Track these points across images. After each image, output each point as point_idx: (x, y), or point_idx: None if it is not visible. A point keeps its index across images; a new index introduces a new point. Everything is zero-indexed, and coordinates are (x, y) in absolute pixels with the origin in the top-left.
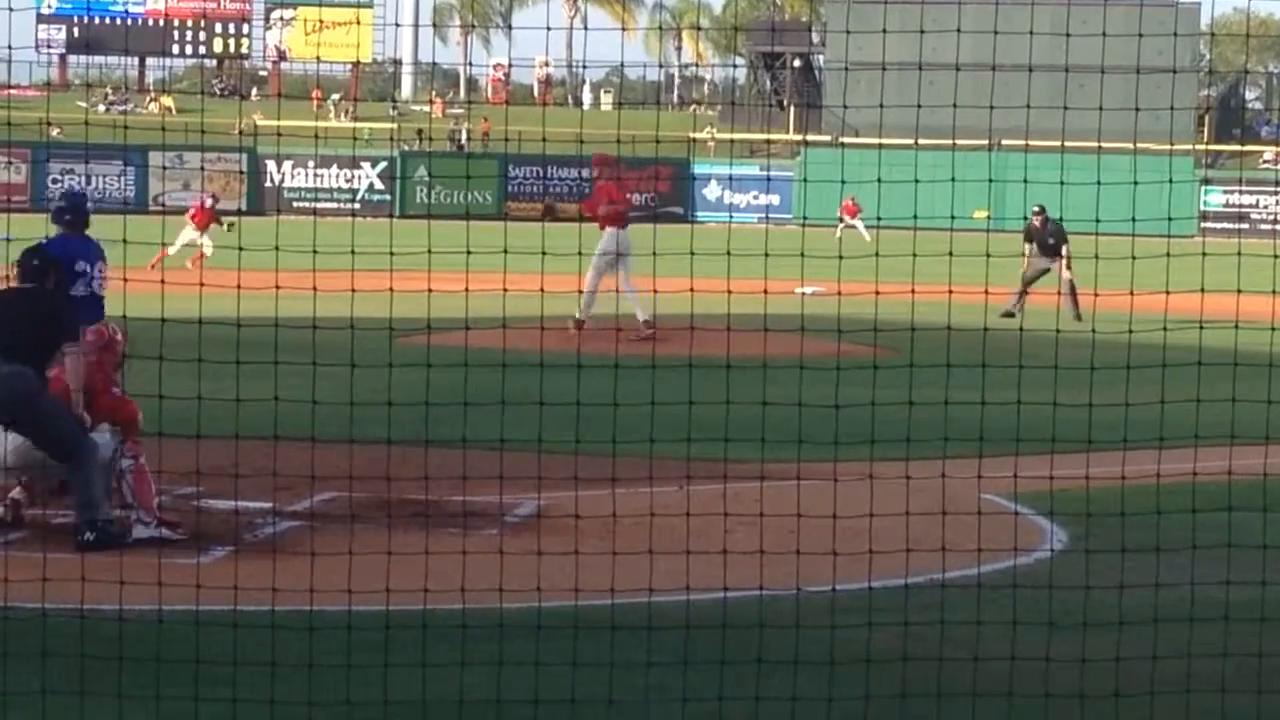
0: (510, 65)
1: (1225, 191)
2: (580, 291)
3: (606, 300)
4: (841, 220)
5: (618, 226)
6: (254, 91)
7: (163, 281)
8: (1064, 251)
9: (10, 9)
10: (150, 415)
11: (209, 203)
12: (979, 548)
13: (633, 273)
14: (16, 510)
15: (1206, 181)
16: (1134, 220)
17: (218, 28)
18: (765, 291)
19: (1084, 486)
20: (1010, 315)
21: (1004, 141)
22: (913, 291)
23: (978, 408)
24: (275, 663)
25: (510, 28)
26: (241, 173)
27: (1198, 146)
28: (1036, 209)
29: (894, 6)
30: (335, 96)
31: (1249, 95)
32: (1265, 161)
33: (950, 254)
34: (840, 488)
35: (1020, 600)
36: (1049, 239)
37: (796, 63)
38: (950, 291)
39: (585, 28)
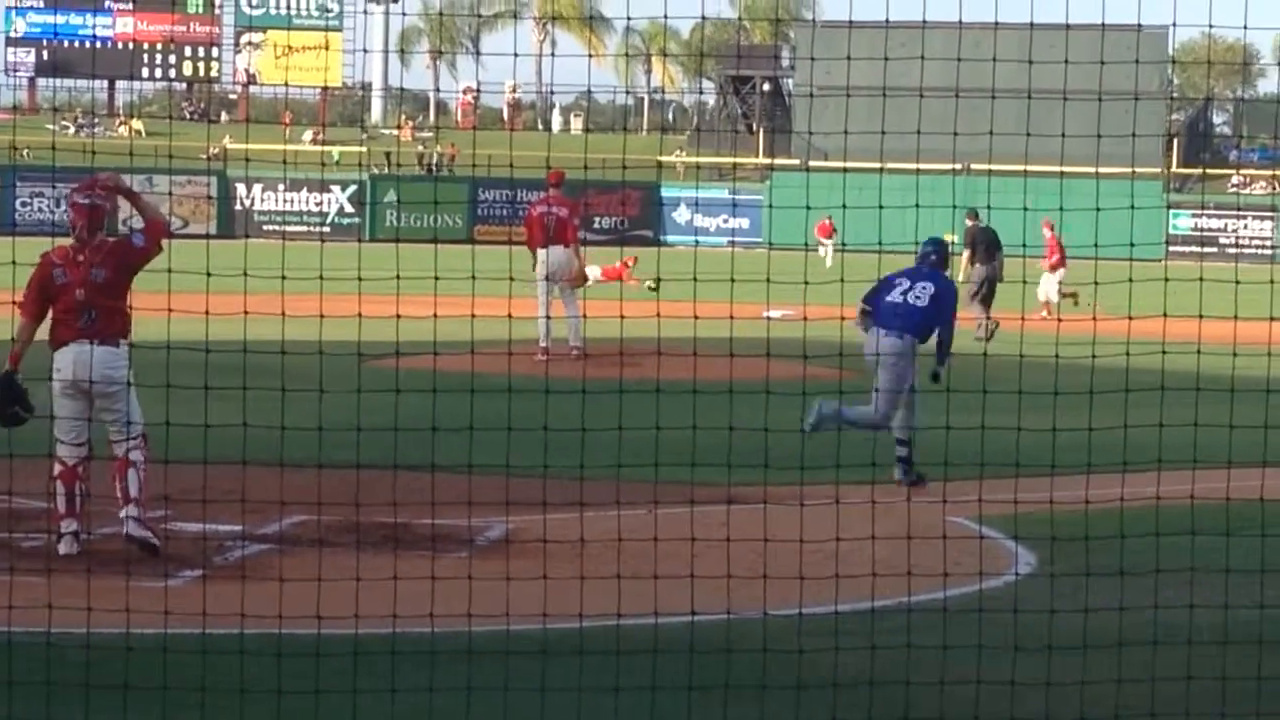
0: (479, 89)
1: (1193, 215)
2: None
3: (602, 326)
4: (820, 243)
5: (537, 247)
6: (224, 115)
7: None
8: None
9: None
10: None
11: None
12: (945, 571)
13: (561, 297)
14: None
15: (1173, 206)
16: (1097, 246)
17: (187, 51)
18: (731, 316)
19: (1048, 510)
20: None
21: (973, 166)
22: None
23: (943, 432)
24: (244, 688)
25: (479, 53)
26: (211, 197)
27: (1165, 171)
28: (972, 213)
29: (862, 31)
30: (308, 135)
31: (1217, 119)
32: (1233, 186)
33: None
34: (806, 511)
35: (986, 624)
36: (980, 244)
37: (765, 87)
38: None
39: (554, 53)
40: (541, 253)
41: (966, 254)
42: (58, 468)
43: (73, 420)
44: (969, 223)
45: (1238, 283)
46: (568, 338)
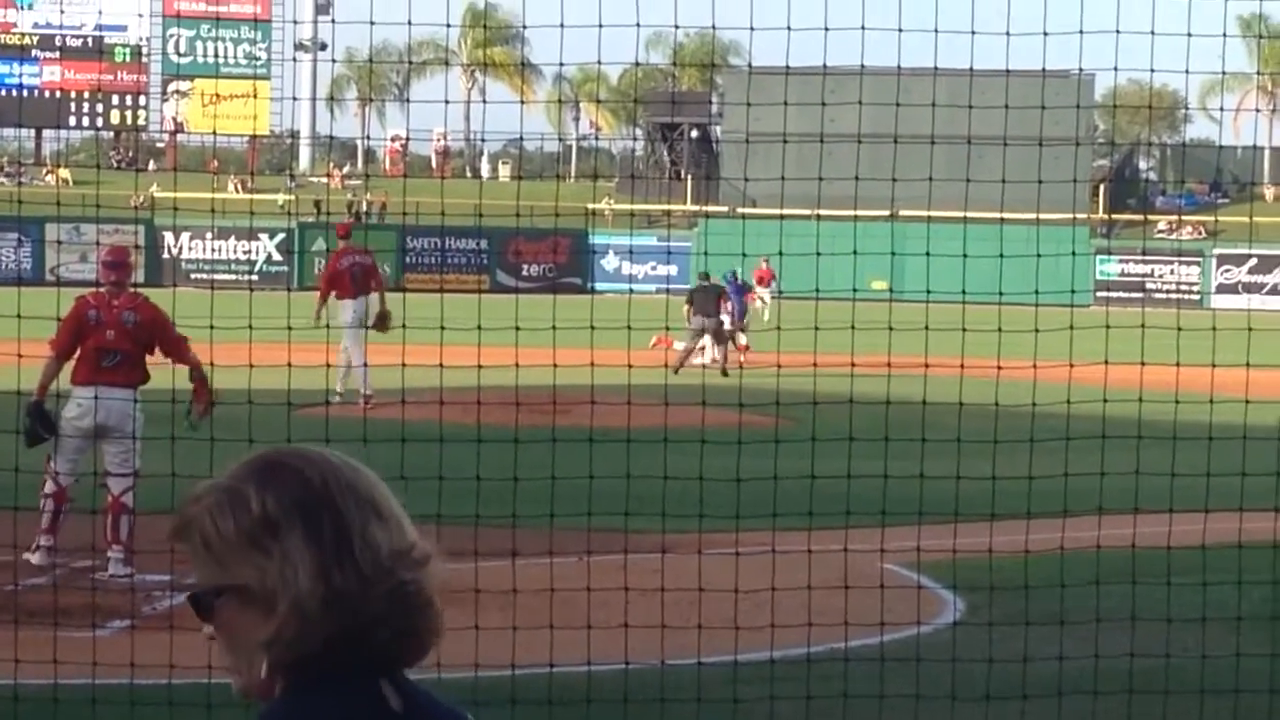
0: (408, 137)
1: (1121, 261)
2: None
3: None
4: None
5: (350, 297)
6: (151, 163)
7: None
8: (728, 307)
9: None
10: (70, 491)
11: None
12: (881, 620)
13: (354, 345)
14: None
15: (1105, 252)
16: (1038, 293)
17: (114, 100)
18: (666, 365)
19: (987, 557)
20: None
21: (901, 212)
22: (814, 364)
23: (880, 480)
24: None
25: (408, 100)
26: (138, 245)
27: (1093, 216)
28: (702, 274)
29: (790, 77)
30: (231, 185)
31: (1143, 165)
32: (1160, 231)
33: (853, 326)
34: (742, 560)
35: (923, 672)
36: (715, 296)
37: (694, 134)
38: (853, 365)
39: (484, 100)
40: (352, 303)
41: (686, 308)
42: (52, 486)
43: (75, 455)
44: (699, 281)
45: (1179, 329)
46: (359, 387)
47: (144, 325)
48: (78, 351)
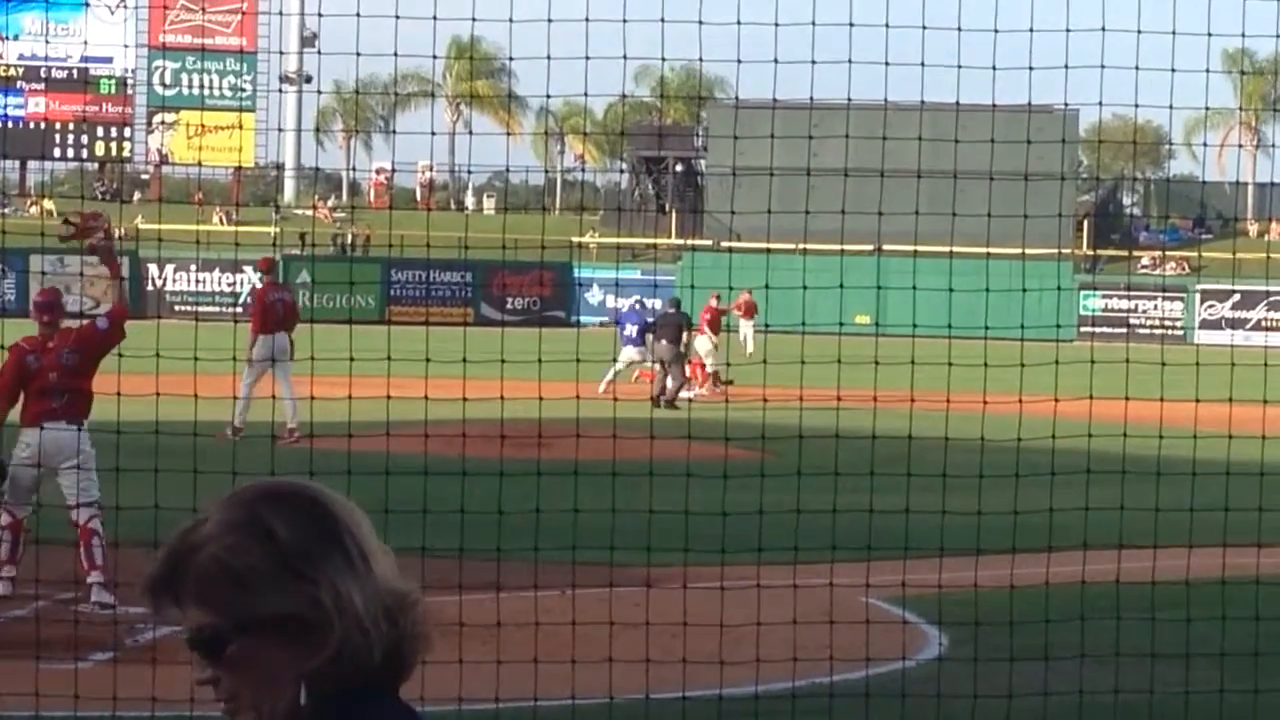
0: (393, 169)
1: (1105, 296)
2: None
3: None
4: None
5: (265, 333)
6: (136, 195)
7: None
8: (683, 339)
9: None
10: (28, 522)
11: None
12: (867, 655)
13: (291, 377)
14: None
15: (1089, 287)
16: (1023, 328)
17: (99, 131)
18: (651, 398)
19: (972, 592)
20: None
21: (886, 246)
22: (800, 398)
23: (865, 514)
24: None
25: (393, 133)
26: (122, 277)
27: (1077, 251)
28: (671, 303)
29: (776, 112)
30: (216, 218)
31: (1126, 201)
32: (1143, 266)
33: (838, 360)
34: (726, 594)
35: (908, 707)
36: (677, 325)
37: (678, 167)
38: (839, 399)
39: (470, 132)
40: (268, 338)
41: (649, 337)
42: (6, 519)
43: (26, 493)
44: (666, 309)
45: (1163, 365)
46: (286, 420)
47: (86, 350)
48: (22, 396)
